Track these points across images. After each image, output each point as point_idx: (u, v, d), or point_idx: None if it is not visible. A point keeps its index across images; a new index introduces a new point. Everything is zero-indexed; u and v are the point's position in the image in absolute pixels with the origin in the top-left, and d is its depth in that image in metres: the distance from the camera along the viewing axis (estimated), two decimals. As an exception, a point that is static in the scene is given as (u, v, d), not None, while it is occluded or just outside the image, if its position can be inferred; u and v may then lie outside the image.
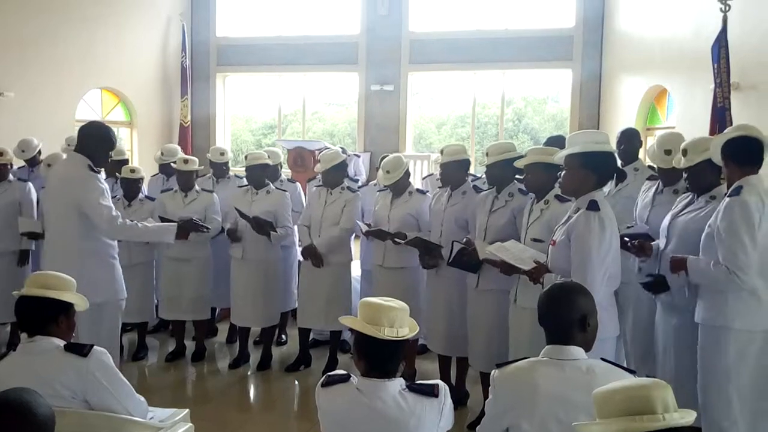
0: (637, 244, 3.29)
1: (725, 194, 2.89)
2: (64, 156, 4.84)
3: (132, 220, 3.85)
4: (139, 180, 5.01)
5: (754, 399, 2.87)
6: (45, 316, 2.35)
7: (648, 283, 3.25)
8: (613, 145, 3.22)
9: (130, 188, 4.93)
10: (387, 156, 4.64)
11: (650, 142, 6.05)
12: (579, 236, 2.78)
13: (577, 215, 2.84)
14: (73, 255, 3.51)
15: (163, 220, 4.84)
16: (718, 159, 2.98)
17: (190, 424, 2.44)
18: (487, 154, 3.79)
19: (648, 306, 3.51)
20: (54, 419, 1.51)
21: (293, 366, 4.84)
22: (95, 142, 3.62)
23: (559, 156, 3.07)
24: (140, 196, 5.03)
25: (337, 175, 4.65)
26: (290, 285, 5.18)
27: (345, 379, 2.11)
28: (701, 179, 3.11)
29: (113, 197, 4.97)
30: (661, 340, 3.33)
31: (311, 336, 5.08)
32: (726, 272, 2.76)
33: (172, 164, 5.51)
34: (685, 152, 3.12)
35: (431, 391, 2.06)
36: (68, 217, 3.56)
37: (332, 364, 4.71)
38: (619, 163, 3.53)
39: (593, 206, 2.79)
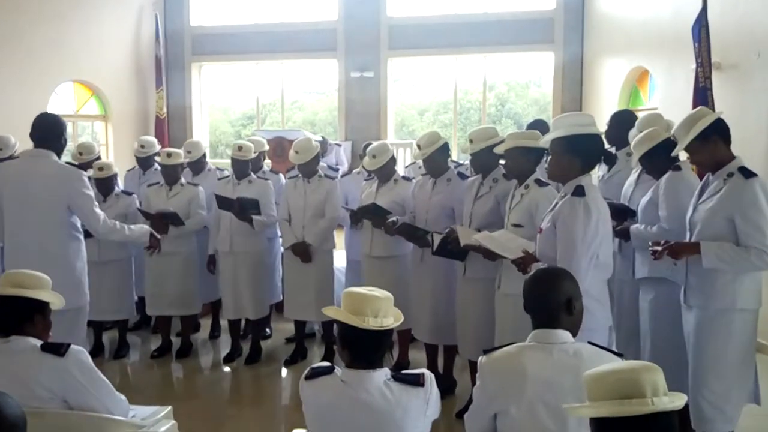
0: (617, 228, 3.32)
1: (728, 174, 2.83)
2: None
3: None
4: (111, 177, 4.87)
5: (739, 373, 2.93)
6: (20, 315, 2.31)
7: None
8: (601, 128, 3.21)
9: (103, 185, 4.79)
10: (371, 143, 4.59)
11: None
12: (564, 223, 2.73)
13: (562, 201, 2.80)
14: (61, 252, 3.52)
15: (142, 213, 4.77)
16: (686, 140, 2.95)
17: (173, 422, 2.40)
18: (470, 141, 3.74)
19: (631, 291, 3.51)
20: (25, 420, 1.46)
21: (291, 359, 4.79)
22: (52, 131, 3.59)
23: (544, 140, 3.02)
24: (116, 190, 4.92)
25: (314, 164, 4.61)
26: (274, 277, 5.13)
27: (329, 371, 2.08)
28: (655, 165, 3.30)
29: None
30: (641, 320, 3.37)
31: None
32: (760, 253, 2.74)
33: (155, 157, 5.38)
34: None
35: (416, 381, 2.03)
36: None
37: (329, 355, 4.66)
38: (608, 146, 3.51)
39: (579, 192, 2.72)
